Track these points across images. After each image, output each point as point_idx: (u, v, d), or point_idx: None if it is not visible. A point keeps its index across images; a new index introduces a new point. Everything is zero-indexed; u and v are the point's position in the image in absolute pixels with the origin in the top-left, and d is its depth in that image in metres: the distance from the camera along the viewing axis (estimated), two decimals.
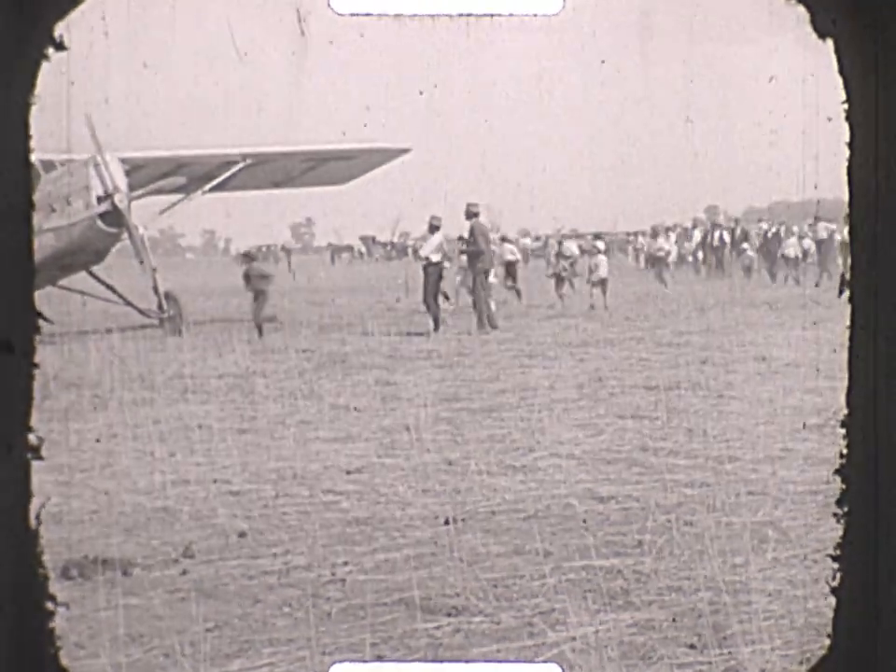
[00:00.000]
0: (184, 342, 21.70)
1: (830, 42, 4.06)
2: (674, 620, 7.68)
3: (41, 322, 4.12)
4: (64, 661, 4.24)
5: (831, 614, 7.67)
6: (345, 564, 8.85)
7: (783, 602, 7.92)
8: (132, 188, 24.01)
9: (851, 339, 4.11)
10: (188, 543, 9.31)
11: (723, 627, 7.51)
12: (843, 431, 4.16)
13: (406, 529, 9.66)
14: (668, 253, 35.09)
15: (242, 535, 9.60)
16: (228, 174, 25.71)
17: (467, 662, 7.18)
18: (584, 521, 9.76)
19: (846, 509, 4.19)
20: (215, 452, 12.46)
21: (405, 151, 25.89)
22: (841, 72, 4.07)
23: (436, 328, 23.40)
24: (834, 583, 4.19)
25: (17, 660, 4.09)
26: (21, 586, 4.08)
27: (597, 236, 35.64)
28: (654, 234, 35.90)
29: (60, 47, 4.05)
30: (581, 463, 11.77)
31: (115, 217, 23.63)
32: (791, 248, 33.07)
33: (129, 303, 24.91)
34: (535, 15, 4.36)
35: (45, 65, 4.07)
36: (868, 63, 3.98)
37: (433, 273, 24.11)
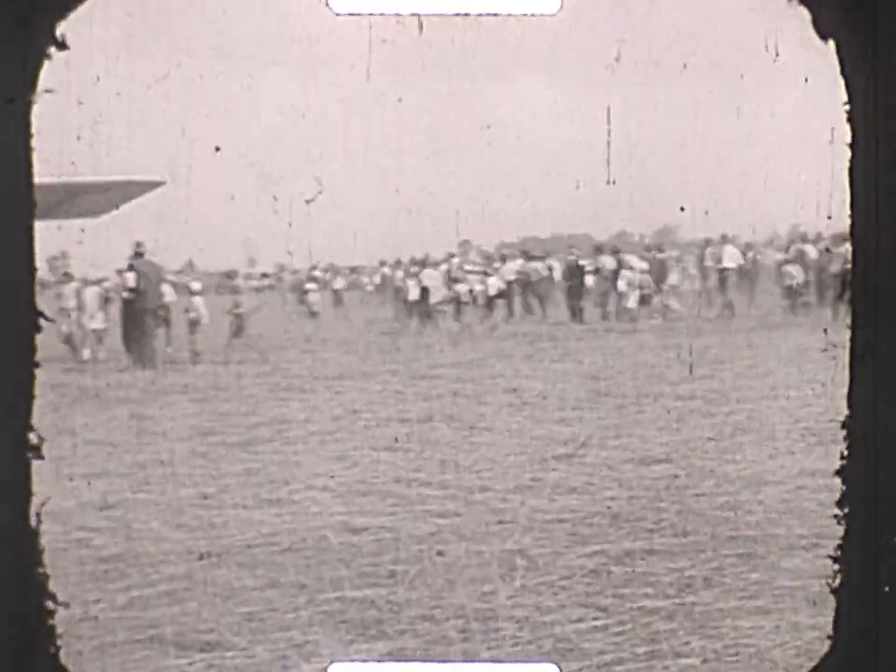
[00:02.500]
0: None
1: (831, 43, 4.13)
2: (426, 648, 7.81)
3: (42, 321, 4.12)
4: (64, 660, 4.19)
5: (577, 638, 7.92)
6: (98, 601, 8.76)
7: (531, 628, 8.13)
8: None
9: (852, 340, 4.15)
10: None
11: (473, 654, 7.68)
12: (843, 433, 4.17)
13: (160, 565, 9.60)
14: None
15: None
16: None
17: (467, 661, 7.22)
18: (339, 552, 9.86)
19: (846, 510, 4.19)
20: None
21: (160, 184, 25.59)
22: (843, 73, 4.13)
23: (142, 366, 23.03)
24: (835, 584, 4.21)
25: (16, 659, 4.02)
26: (20, 585, 4.02)
27: (353, 270, 35.53)
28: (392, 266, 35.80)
29: (62, 46, 4.04)
30: (337, 495, 11.86)
31: None
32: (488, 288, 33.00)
33: None
34: (533, 15, 4.36)
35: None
36: (869, 64, 4.04)
37: (130, 310, 23.81)
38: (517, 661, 7.44)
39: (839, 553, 4.22)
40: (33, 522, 4.12)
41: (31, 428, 4.09)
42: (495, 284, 32.31)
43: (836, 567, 4.22)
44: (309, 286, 31.94)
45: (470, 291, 33.24)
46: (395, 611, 8.50)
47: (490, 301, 32.04)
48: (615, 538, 10.12)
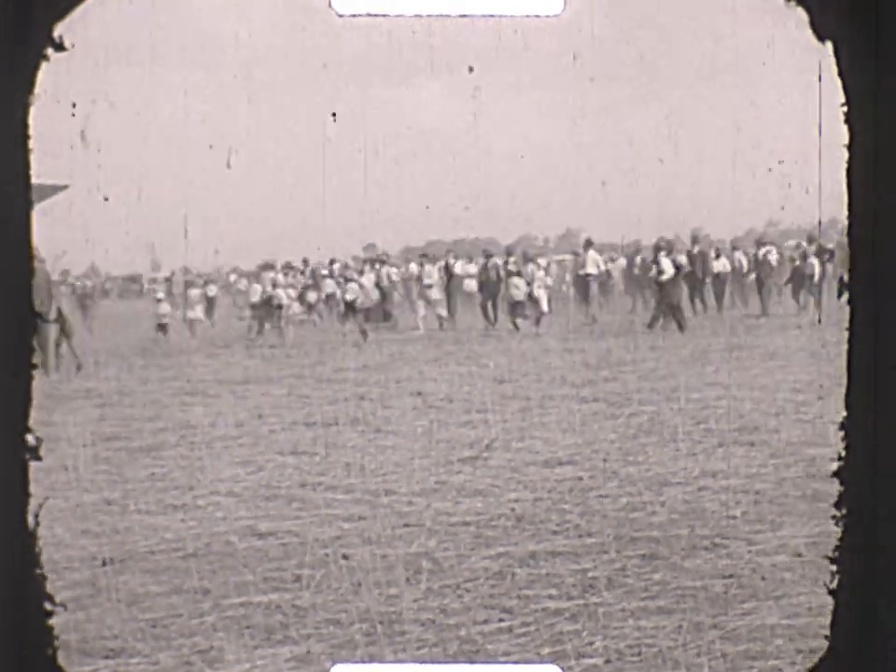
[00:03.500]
0: None
1: (829, 44, 4.11)
2: (331, 652, 7.83)
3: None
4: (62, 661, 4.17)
5: (482, 640, 7.97)
6: None
7: (436, 630, 8.18)
8: None
9: (850, 341, 4.13)
10: None
11: (379, 657, 7.71)
12: (842, 433, 4.16)
13: (64, 571, 9.52)
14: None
15: None
16: None
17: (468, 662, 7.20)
18: (243, 557, 9.85)
19: (844, 511, 4.17)
20: None
21: (63, 188, 25.34)
22: (840, 74, 4.11)
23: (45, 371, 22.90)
24: (832, 585, 4.19)
25: (14, 660, 3.99)
26: (18, 586, 4.00)
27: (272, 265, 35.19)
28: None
29: (59, 47, 4.03)
30: (242, 500, 11.84)
31: None
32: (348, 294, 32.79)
33: None
34: (536, 16, 4.35)
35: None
36: (867, 65, 4.03)
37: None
38: (519, 662, 7.49)
39: (837, 554, 4.21)
40: (31, 523, 4.15)
41: (28, 430, 4.11)
42: (355, 289, 32.15)
43: (834, 568, 4.22)
44: (159, 295, 31.36)
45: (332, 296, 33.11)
46: (300, 616, 8.51)
47: (349, 307, 31.97)
48: (519, 539, 10.20)
